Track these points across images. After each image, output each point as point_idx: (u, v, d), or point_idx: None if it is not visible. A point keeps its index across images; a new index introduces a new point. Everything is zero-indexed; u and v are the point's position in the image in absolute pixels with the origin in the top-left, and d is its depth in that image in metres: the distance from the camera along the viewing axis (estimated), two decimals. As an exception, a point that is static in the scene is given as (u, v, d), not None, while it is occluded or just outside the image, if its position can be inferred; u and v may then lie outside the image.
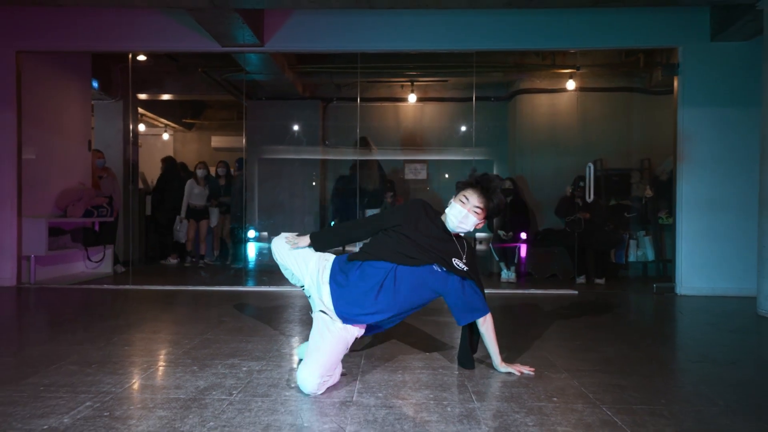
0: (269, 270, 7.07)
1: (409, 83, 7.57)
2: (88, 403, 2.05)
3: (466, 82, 7.53)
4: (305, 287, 2.53)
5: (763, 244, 4.21)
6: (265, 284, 5.61)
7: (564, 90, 7.02)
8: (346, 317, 2.34)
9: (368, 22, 5.28)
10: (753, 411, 2.09)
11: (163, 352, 2.85)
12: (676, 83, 5.27)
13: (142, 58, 6.62)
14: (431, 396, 2.20)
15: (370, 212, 6.97)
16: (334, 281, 2.39)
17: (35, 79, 5.75)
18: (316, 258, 2.51)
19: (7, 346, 3.03)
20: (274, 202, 8.19)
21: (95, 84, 7.05)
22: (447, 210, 2.49)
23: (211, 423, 1.88)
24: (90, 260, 6.31)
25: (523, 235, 6.58)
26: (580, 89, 6.97)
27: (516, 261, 6.54)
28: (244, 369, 2.54)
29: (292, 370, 2.54)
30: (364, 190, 6.85)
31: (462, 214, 2.43)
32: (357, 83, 6.63)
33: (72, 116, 6.38)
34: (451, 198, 2.52)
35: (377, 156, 7.54)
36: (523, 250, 6.59)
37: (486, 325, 2.48)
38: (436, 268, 2.39)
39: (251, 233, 8.28)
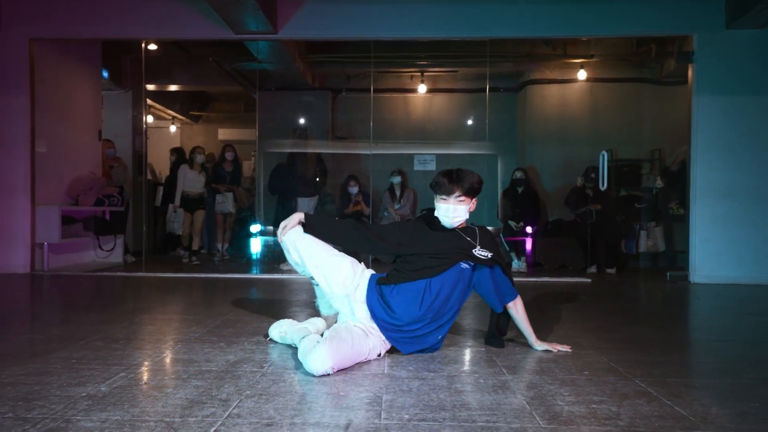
0: (280, 260, 7.10)
1: (419, 74, 7.56)
2: (122, 374, 2.06)
3: (476, 72, 7.54)
4: (314, 280, 2.50)
5: (779, 231, 4.21)
6: (277, 272, 5.62)
7: (575, 80, 7.02)
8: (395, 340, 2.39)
9: (382, 10, 5.28)
10: (785, 384, 2.10)
11: (188, 330, 2.85)
12: (690, 72, 5.26)
13: (152, 47, 6.61)
14: (462, 369, 2.20)
15: (301, 201, 7.01)
16: (377, 311, 2.37)
17: (46, 68, 5.76)
18: (349, 270, 2.44)
19: (30, 326, 3.03)
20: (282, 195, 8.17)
21: (105, 73, 7.05)
22: (436, 214, 2.47)
23: (248, 391, 1.88)
24: (101, 249, 6.32)
25: (529, 229, 6.58)
26: (591, 80, 6.96)
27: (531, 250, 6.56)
28: (271, 346, 2.55)
29: (319, 346, 2.54)
30: (302, 179, 6.92)
31: (450, 209, 2.41)
32: (370, 73, 6.64)
33: (82, 105, 6.38)
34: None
35: (384, 148, 7.56)
36: (528, 244, 6.59)
37: (517, 308, 2.49)
38: (463, 265, 2.40)
39: (256, 227, 8.28)
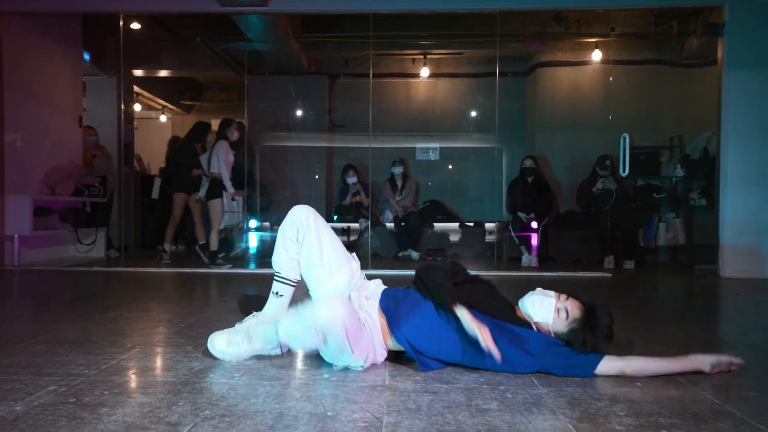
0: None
1: (422, 56, 7.10)
2: (51, 387, 1.61)
3: (482, 54, 7.08)
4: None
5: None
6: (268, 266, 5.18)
7: (588, 62, 6.57)
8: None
9: (382, -20, 4.83)
10: None
11: (152, 331, 2.41)
12: (720, 47, 4.80)
13: (136, 26, 6.17)
14: (482, 380, 1.76)
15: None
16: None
17: (20, 46, 5.31)
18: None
19: (-29, 325, 2.59)
20: (276, 187, 7.72)
21: (87, 56, 6.60)
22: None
23: (207, 411, 1.44)
24: (80, 243, 5.87)
25: (534, 224, 6.14)
26: (605, 62, 6.50)
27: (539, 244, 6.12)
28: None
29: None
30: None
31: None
32: (369, 56, 6.19)
33: (61, 89, 5.94)
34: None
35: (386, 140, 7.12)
36: (534, 239, 6.15)
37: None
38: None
39: (252, 223, 7.85)
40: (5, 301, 3.54)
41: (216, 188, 5.42)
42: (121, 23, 5.70)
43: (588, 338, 1.81)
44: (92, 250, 6.01)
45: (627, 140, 4.93)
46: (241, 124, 6.54)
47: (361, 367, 1.84)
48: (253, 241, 7.88)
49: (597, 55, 6.46)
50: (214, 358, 1.94)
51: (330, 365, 1.87)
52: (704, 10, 5.30)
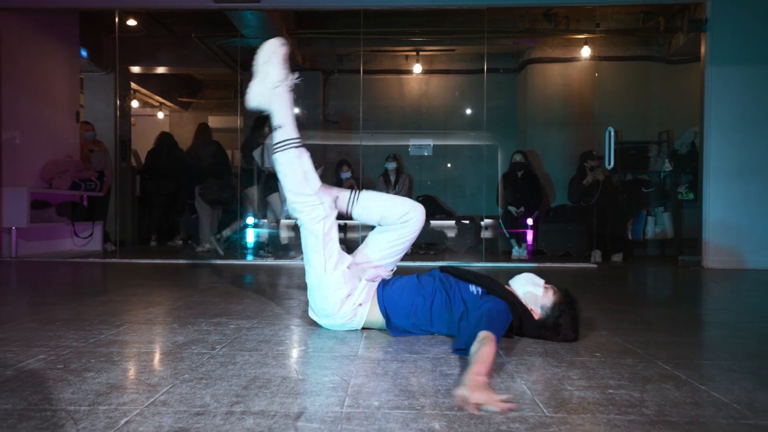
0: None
1: (414, 53, 7.19)
2: (41, 356, 1.71)
3: (473, 51, 7.17)
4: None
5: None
6: (262, 258, 5.28)
7: (578, 59, 6.65)
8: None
9: (372, -23, 4.92)
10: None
11: (141, 311, 2.50)
12: (702, 43, 4.89)
13: (132, 23, 6.26)
14: (450, 351, 1.85)
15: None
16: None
17: (18, 42, 5.40)
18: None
19: (-33, 307, 2.69)
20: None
21: (84, 53, 6.70)
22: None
23: (186, 375, 1.54)
24: (77, 236, 5.97)
25: (530, 221, 6.24)
26: (595, 58, 6.59)
27: (526, 239, 6.22)
28: (232, 326, 2.20)
29: (287, 327, 2.20)
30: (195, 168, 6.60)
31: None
32: (360, 52, 6.27)
33: (58, 84, 6.03)
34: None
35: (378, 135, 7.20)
36: (530, 236, 6.24)
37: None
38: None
39: (250, 220, 7.93)
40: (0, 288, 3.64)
41: (272, 182, 5.44)
42: (117, 19, 5.78)
43: (569, 319, 1.96)
44: (89, 244, 6.11)
45: (612, 134, 5.02)
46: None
47: (339, 287, 2.01)
48: (250, 236, 7.98)
49: (586, 52, 6.55)
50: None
51: (315, 333, 1.97)
52: (689, 6, 5.39)
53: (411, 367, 1.66)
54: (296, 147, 2.08)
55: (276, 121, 2.11)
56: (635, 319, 2.50)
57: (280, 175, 2.08)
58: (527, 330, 2.01)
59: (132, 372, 1.56)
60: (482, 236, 7.00)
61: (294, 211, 2.08)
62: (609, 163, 4.96)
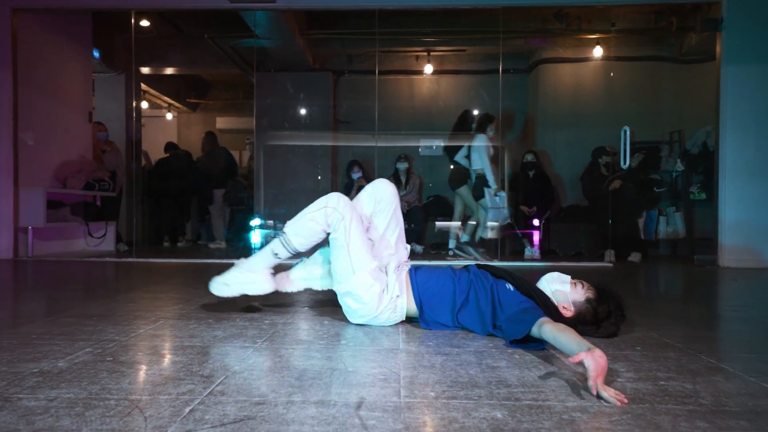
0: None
1: (426, 53, 7.20)
2: (88, 349, 1.72)
3: (484, 52, 7.19)
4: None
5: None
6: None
7: (590, 59, 6.67)
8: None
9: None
10: None
11: (173, 307, 2.51)
12: (718, 42, 4.91)
13: (145, 23, 6.28)
14: (491, 344, 1.86)
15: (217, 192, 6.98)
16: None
17: (32, 42, 5.43)
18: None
19: (-2, 303, 2.70)
20: (281, 185, 7.81)
21: (96, 54, 6.72)
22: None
23: (236, 367, 1.55)
24: (91, 236, 5.98)
25: (536, 222, 6.25)
26: (606, 58, 6.61)
27: (541, 238, 6.22)
28: (267, 322, 2.21)
29: (321, 323, 2.21)
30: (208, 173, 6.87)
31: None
32: (374, 53, 6.28)
33: (71, 84, 6.05)
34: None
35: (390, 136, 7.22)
36: (536, 236, 6.25)
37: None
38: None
39: (256, 221, 7.95)
40: (25, 285, 3.65)
41: (481, 185, 5.44)
42: (133, 20, 5.80)
43: (611, 308, 1.94)
44: (102, 244, 6.12)
45: (628, 133, 5.03)
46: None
47: (365, 288, 2.03)
48: (256, 238, 8.00)
49: (598, 52, 6.57)
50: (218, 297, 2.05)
51: (349, 328, 1.98)
52: (703, 6, 5.40)
53: (456, 359, 1.67)
54: None
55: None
56: (664, 314, 2.50)
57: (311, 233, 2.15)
58: None
59: (182, 365, 1.57)
60: (490, 237, 7.01)
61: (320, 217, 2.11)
62: (624, 162, 4.97)
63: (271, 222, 8.19)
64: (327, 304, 2.67)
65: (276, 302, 2.68)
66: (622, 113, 6.65)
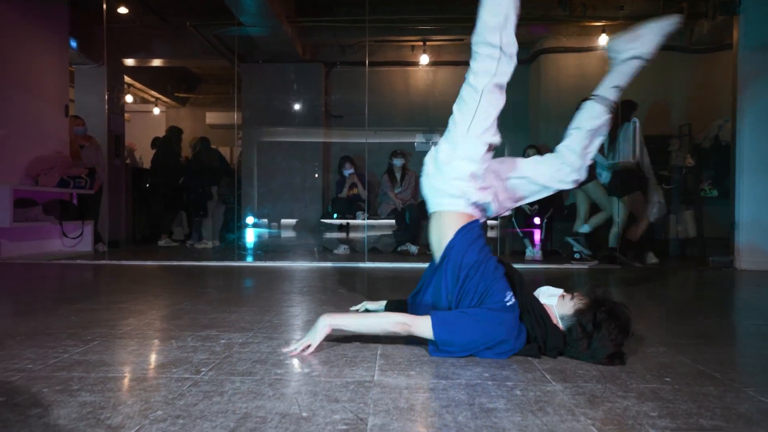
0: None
1: (421, 43, 6.84)
2: (-18, 384, 1.38)
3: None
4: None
5: None
6: (261, 260, 4.96)
7: (594, 48, 6.31)
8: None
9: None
10: None
11: (120, 323, 2.17)
12: (735, 27, 4.55)
13: (123, 11, 5.93)
14: (486, 375, 1.52)
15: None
16: None
17: (1, 30, 5.07)
18: None
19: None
20: (269, 182, 7.47)
21: (74, 44, 6.37)
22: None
23: (159, 412, 1.21)
24: (66, 236, 5.64)
25: (536, 220, 5.91)
26: (611, 47, 6.24)
27: (542, 238, 5.89)
28: (222, 341, 1.87)
29: (287, 343, 1.86)
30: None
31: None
32: (365, 42, 5.93)
33: (46, 76, 5.70)
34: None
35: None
36: (537, 234, 5.91)
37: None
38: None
39: (250, 219, 7.63)
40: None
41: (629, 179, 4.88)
42: (105, 6, 5.44)
43: (600, 318, 1.62)
44: (79, 245, 5.78)
45: (638, 125, 4.68)
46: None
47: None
48: (250, 236, 7.67)
49: (604, 40, 6.21)
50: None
51: (318, 352, 1.64)
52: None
53: (442, 398, 1.32)
54: None
55: None
56: (689, 331, 2.16)
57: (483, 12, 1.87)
58: (553, 348, 1.68)
59: (90, 408, 1.23)
60: (489, 236, 6.66)
61: (473, 54, 1.90)
62: (633, 157, 4.62)
63: (265, 220, 7.87)
64: (305, 315, 2.33)
65: (244, 317, 2.34)
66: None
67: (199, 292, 3.04)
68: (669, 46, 6.42)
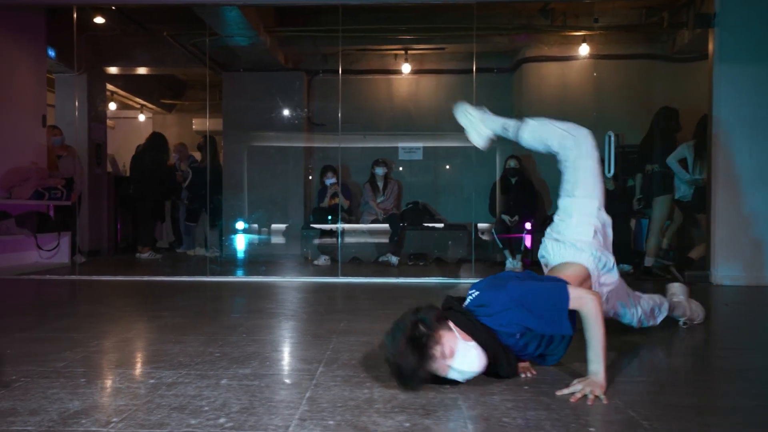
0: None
1: (403, 52, 6.80)
2: None
3: (465, 50, 6.78)
4: None
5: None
6: (233, 275, 4.90)
7: (576, 57, 6.27)
8: None
9: (351, -30, 4.55)
10: None
11: (55, 357, 2.11)
12: (710, 40, 4.50)
13: (100, 20, 5.89)
14: (407, 424, 1.47)
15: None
16: None
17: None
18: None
19: None
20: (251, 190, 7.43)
21: (52, 53, 6.31)
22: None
23: (41, 479, 1.15)
24: (40, 248, 5.59)
25: (528, 225, 5.88)
26: (594, 56, 6.21)
27: (522, 249, 5.84)
28: (151, 382, 1.81)
29: (217, 384, 1.81)
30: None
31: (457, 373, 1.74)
32: (348, 52, 5.88)
33: (21, 86, 5.66)
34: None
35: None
36: (528, 241, 5.88)
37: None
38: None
39: (240, 224, 7.59)
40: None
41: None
42: (75, 15, 5.40)
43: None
44: (56, 256, 5.73)
45: (612, 139, 4.63)
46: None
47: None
48: (240, 243, 7.62)
49: (584, 50, 6.17)
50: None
51: (243, 393, 1.59)
52: (695, 0, 5.00)
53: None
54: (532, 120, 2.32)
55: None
56: (633, 363, 2.11)
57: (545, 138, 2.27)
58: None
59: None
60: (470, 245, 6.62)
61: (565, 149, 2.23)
62: (609, 171, 4.58)
63: (255, 225, 7.82)
64: (251, 346, 2.27)
65: (187, 348, 2.28)
66: (611, 114, 6.26)
67: (154, 315, 2.99)
68: (652, 55, 6.39)
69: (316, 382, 1.83)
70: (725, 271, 4.40)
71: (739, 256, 4.38)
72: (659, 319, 2.50)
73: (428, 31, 6.20)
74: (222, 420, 1.49)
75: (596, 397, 1.65)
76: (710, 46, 4.48)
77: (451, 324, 1.72)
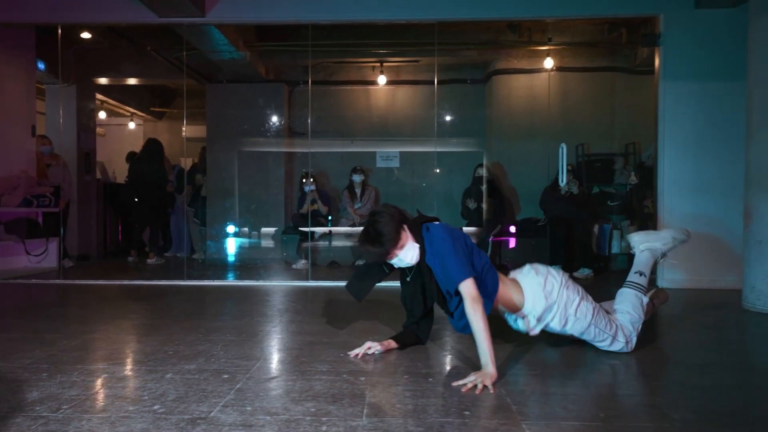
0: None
1: (378, 63, 7.09)
2: None
3: (440, 62, 7.05)
4: None
5: (749, 230, 3.74)
6: (215, 278, 5.16)
7: (542, 70, 6.55)
8: None
9: (320, -10, 4.82)
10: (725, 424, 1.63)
11: (23, 355, 2.38)
12: (657, 57, 4.79)
13: (86, 35, 6.18)
14: (313, 410, 1.74)
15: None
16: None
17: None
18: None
19: None
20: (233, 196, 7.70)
21: (41, 65, 6.60)
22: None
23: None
24: (29, 254, 5.86)
25: (512, 229, 6.14)
26: (559, 69, 6.49)
27: (490, 253, 6.11)
28: (105, 376, 2.09)
29: (164, 377, 2.08)
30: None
31: (402, 261, 2.38)
32: (329, 64, 6.16)
33: (11, 97, 5.93)
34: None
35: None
36: (512, 243, 6.14)
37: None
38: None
39: (230, 228, 7.85)
40: None
41: None
42: (60, 32, 5.69)
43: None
44: (45, 260, 6.00)
45: (564, 151, 4.91)
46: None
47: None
48: (231, 248, 7.89)
49: (549, 63, 6.45)
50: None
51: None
52: (650, 19, 5.28)
53: (251, 435, 1.54)
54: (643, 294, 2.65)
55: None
56: (536, 360, 2.37)
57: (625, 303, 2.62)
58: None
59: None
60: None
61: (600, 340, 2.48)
62: (562, 180, 4.85)
63: (245, 229, 8.09)
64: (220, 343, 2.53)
65: (149, 345, 2.55)
66: (577, 124, 6.55)
67: (123, 318, 3.26)
68: (614, 68, 6.68)
69: (250, 375, 2.10)
70: (669, 275, 4.68)
71: (681, 261, 4.64)
72: (646, 301, 2.69)
73: (398, 45, 6.49)
74: (156, 407, 1.76)
75: (485, 386, 1.93)
76: (656, 63, 4.76)
77: (406, 227, 2.31)
